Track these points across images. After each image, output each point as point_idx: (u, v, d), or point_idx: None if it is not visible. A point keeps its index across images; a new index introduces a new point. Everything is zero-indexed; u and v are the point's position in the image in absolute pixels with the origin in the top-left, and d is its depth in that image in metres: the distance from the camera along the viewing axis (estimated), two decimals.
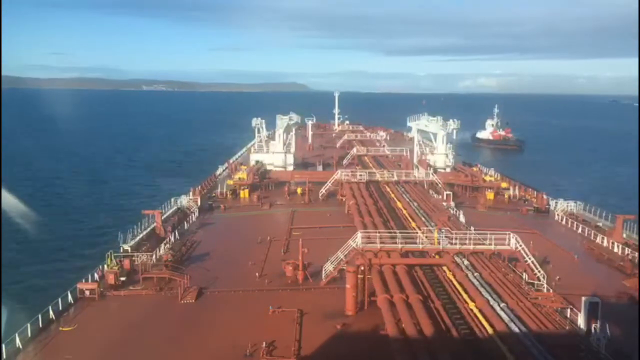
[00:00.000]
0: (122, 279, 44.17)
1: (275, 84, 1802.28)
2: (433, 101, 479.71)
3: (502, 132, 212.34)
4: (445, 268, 43.71)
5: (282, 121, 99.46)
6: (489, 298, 36.65)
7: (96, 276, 43.92)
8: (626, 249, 53.29)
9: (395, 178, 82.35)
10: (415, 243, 45.62)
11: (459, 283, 40.52)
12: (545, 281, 42.02)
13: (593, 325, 32.27)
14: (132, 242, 53.45)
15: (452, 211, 64.91)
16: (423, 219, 59.80)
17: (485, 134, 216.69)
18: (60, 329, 36.28)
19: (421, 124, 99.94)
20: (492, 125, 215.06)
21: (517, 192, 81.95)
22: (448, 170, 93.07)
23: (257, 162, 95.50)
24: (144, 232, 57.26)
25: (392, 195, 74.32)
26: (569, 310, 35.75)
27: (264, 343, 32.46)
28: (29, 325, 34.96)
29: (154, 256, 49.33)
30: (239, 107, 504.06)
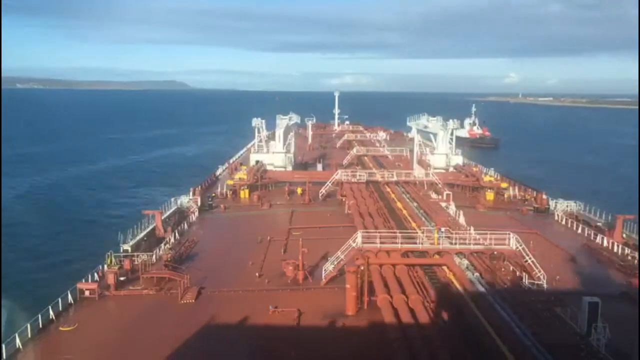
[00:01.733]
0: (122, 279, 44.14)
1: (153, 82, 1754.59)
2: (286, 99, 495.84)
3: (480, 131, 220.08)
4: (445, 268, 43.76)
5: (282, 121, 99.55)
6: (489, 298, 36.65)
7: (96, 276, 43.96)
8: (626, 249, 53.30)
9: (395, 178, 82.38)
10: (415, 243, 45.64)
11: (459, 283, 40.55)
12: (545, 281, 42.02)
13: (593, 325, 32.27)
14: (132, 242, 53.42)
15: (452, 211, 64.89)
16: (423, 219, 59.84)
17: (462, 133, 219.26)
18: (60, 328, 36.25)
19: (421, 124, 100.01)
20: (470, 124, 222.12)
21: (517, 192, 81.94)
22: (451, 169, 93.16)
23: (257, 162, 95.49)
24: (144, 232, 57.25)
25: (392, 195, 74.34)
26: (568, 310, 35.74)
27: (264, 343, 32.45)
28: (29, 325, 34.92)
29: (154, 256, 49.36)
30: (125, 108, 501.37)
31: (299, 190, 78.68)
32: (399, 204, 68.39)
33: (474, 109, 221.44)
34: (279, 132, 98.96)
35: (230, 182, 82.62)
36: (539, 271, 42.68)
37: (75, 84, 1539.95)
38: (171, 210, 66.94)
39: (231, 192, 79.96)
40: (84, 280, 42.45)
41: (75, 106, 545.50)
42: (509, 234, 45.47)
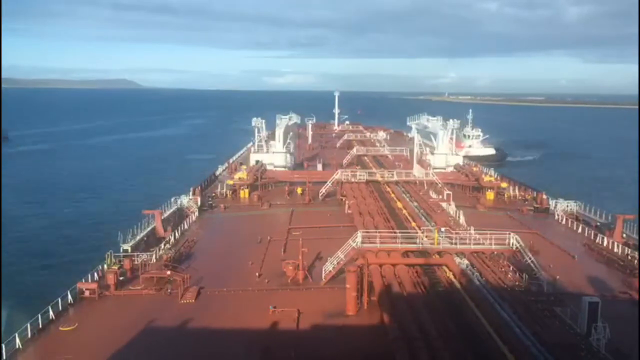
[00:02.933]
0: (122, 278, 44.17)
1: (102, 80, 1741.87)
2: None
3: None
4: (445, 268, 43.76)
5: (282, 121, 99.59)
6: (489, 298, 36.65)
7: (96, 276, 43.95)
8: (626, 249, 53.31)
9: (395, 178, 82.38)
10: (415, 243, 45.65)
11: (459, 283, 40.56)
12: (545, 281, 42.01)
13: (593, 325, 32.27)
14: (132, 242, 53.45)
15: (452, 211, 64.88)
16: (423, 218, 59.83)
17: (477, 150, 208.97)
18: (60, 328, 36.25)
19: (421, 123, 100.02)
20: (468, 135, 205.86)
21: (517, 192, 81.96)
22: (450, 169, 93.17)
23: (257, 162, 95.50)
24: (144, 232, 57.28)
25: (392, 195, 74.34)
26: (568, 310, 35.75)
27: (264, 343, 32.45)
28: (29, 325, 34.91)
29: (154, 256, 49.34)
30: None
31: (299, 190, 78.67)
32: (399, 204, 68.39)
33: (470, 115, 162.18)
34: (279, 132, 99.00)
35: (230, 182, 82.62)
36: (539, 271, 42.69)
37: (24, 82, 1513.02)
38: (171, 210, 66.94)
39: (231, 192, 79.97)
40: (84, 280, 42.46)
41: (34, 105, 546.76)
42: (509, 234, 45.48)
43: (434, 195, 75.53)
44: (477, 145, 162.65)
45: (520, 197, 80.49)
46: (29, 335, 34.60)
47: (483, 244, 45.58)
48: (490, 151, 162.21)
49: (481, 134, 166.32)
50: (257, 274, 45.61)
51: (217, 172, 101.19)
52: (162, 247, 52.35)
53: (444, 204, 68.13)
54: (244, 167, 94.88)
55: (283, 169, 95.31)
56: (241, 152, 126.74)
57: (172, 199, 69.93)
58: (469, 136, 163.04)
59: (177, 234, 58.68)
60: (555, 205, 72.08)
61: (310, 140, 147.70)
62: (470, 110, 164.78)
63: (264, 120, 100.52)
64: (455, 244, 45.46)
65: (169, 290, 42.11)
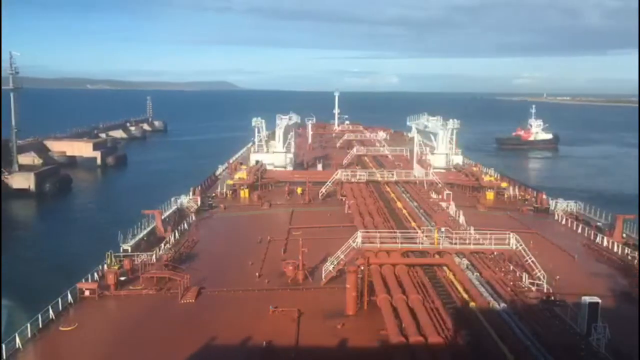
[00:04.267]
0: (122, 278, 44.14)
1: (205, 82, 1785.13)
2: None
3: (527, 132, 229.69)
4: (445, 268, 43.74)
5: (282, 121, 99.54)
6: (489, 298, 36.65)
7: (96, 276, 43.95)
8: (626, 248, 53.30)
9: (395, 178, 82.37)
10: (415, 243, 45.62)
11: (459, 283, 40.54)
12: (545, 281, 41.99)
13: (593, 325, 32.25)
14: (132, 242, 53.48)
15: (452, 211, 64.87)
16: (423, 218, 59.81)
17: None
18: (60, 328, 36.24)
19: (421, 123, 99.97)
20: (531, 125, 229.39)
21: (517, 192, 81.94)
22: (453, 170, 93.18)
23: (257, 162, 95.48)
24: (144, 232, 57.30)
25: (392, 195, 74.33)
26: (568, 310, 35.72)
27: (264, 343, 32.47)
28: (29, 325, 34.91)
29: (154, 256, 49.34)
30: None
31: (299, 190, 78.64)
32: (399, 204, 68.37)
33: (533, 110, 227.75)
34: (279, 132, 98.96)
35: (230, 182, 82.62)
36: (539, 271, 42.66)
37: (135, 84, 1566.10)
38: (171, 210, 66.96)
39: (231, 192, 79.95)
40: (84, 280, 42.46)
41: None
42: (509, 234, 45.45)
43: (434, 195, 75.51)
44: (541, 132, 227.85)
45: (520, 197, 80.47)
46: (29, 335, 34.60)
47: (483, 244, 45.54)
48: (549, 136, 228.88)
49: (541, 124, 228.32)
50: (257, 274, 45.59)
51: (217, 172, 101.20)
52: (162, 247, 52.37)
53: (444, 204, 68.14)
54: (244, 167, 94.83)
55: (283, 169, 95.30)
56: (241, 152, 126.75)
57: (172, 199, 69.94)
58: (531, 125, 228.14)
59: (177, 234, 58.67)
60: (555, 205, 72.10)
61: (310, 141, 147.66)
62: (534, 106, 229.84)
63: (263, 120, 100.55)
64: (455, 244, 45.41)
65: (170, 290, 42.08)
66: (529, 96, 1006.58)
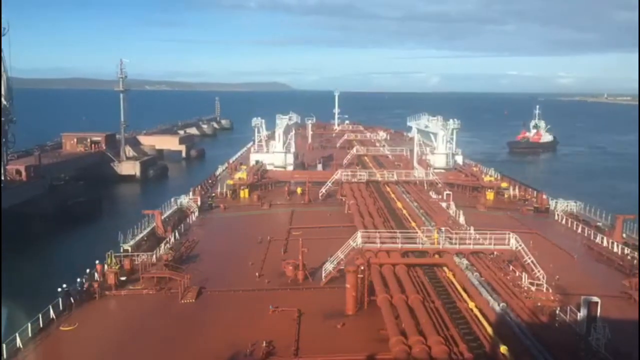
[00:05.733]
0: (122, 278, 44.20)
1: (257, 83, 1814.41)
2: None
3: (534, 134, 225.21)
4: (445, 268, 43.76)
5: (282, 121, 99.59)
6: (489, 298, 36.64)
7: (96, 276, 43.98)
8: (626, 249, 53.31)
9: (395, 178, 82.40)
10: (415, 243, 45.65)
11: (459, 283, 40.55)
12: (545, 281, 41.97)
13: (593, 325, 32.26)
14: (132, 242, 53.55)
15: (452, 211, 64.90)
16: (423, 218, 59.82)
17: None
18: (61, 328, 36.30)
19: (421, 123, 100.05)
20: (534, 127, 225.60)
21: (517, 192, 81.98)
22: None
23: (257, 162, 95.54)
24: (144, 232, 57.38)
25: (392, 195, 74.35)
26: (568, 310, 35.72)
27: (264, 343, 32.50)
28: (29, 325, 34.98)
29: (154, 256, 49.38)
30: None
31: (299, 190, 78.67)
32: (399, 204, 68.37)
33: (537, 111, 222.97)
34: (279, 132, 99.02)
35: (230, 182, 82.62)
36: (539, 271, 42.67)
37: (192, 85, 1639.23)
38: (171, 210, 67.05)
39: (231, 192, 79.96)
40: (84, 280, 42.48)
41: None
42: (509, 234, 45.47)
43: (434, 195, 75.54)
44: (543, 133, 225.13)
45: (520, 197, 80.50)
46: (29, 335, 34.66)
47: (483, 244, 45.58)
48: (550, 138, 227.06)
49: (544, 125, 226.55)
50: (257, 274, 45.63)
51: (217, 172, 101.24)
52: (163, 247, 52.38)
53: (444, 204, 68.18)
54: (244, 167, 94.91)
55: (283, 169, 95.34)
56: (241, 152, 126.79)
57: (172, 199, 70.01)
58: (536, 126, 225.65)
59: (177, 234, 58.71)
60: (555, 205, 72.12)
61: (310, 141, 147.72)
62: (538, 106, 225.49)
63: (263, 120, 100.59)
64: (455, 244, 45.44)
65: (170, 290, 42.11)
66: (577, 96, 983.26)
